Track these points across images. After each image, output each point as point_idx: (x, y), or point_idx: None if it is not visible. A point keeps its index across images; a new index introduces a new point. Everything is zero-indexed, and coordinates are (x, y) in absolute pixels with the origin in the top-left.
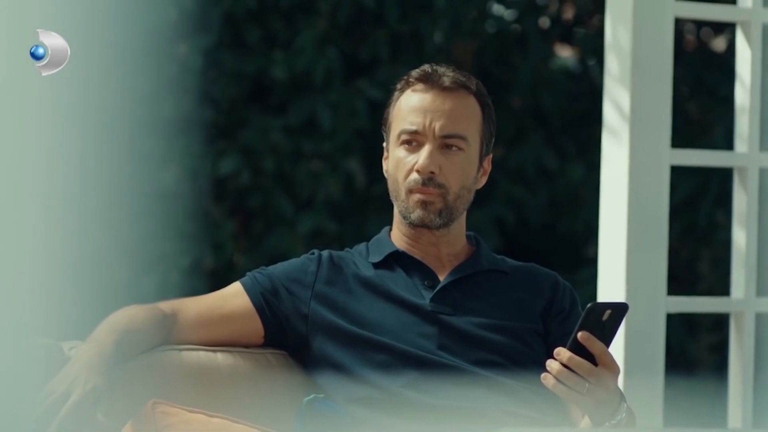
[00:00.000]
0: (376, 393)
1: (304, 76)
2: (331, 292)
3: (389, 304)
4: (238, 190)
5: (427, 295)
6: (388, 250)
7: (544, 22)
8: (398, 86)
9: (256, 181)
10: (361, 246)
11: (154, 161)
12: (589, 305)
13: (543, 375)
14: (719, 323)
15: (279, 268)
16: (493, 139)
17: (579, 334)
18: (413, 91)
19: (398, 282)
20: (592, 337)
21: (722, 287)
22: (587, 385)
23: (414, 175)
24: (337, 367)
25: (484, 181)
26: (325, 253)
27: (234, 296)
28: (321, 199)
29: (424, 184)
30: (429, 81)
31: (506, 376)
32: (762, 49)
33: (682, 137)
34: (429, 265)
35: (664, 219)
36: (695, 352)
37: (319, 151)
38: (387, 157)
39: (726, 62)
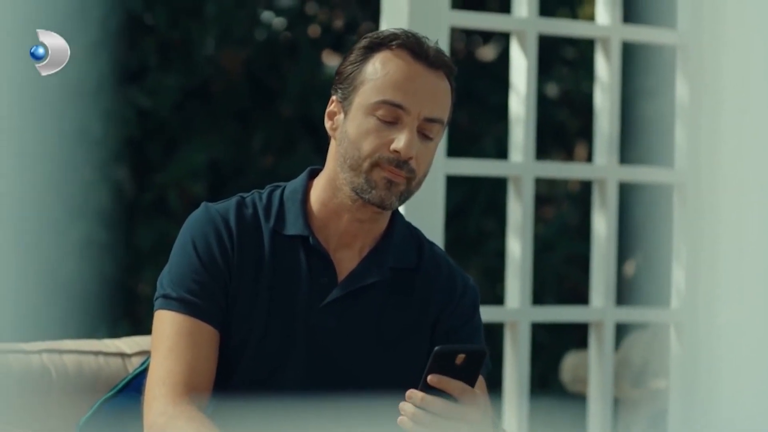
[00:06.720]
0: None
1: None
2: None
3: (270, 305)
4: None
5: (315, 304)
6: (298, 230)
7: (315, 30)
8: (364, 44)
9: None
10: (275, 198)
11: None
12: (436, 348)
13: (399, 419)
14: (488, 333)
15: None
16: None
17: (429, 378)
18: (396, 56)
19: (292, 277)
20: (445, 378)
21: (493, 296)
22: (445, 423)
23: (387, 154)
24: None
25: None
26: (226, 217)
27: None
28: (92, 208)
29: (397, 165)
30: (417, 52)
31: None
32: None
33: (452, 147)
34: (334, 257)
35: (440, 229)
36: None
37: (90, 159)
38: (337, 115)
39: (495, 71)
